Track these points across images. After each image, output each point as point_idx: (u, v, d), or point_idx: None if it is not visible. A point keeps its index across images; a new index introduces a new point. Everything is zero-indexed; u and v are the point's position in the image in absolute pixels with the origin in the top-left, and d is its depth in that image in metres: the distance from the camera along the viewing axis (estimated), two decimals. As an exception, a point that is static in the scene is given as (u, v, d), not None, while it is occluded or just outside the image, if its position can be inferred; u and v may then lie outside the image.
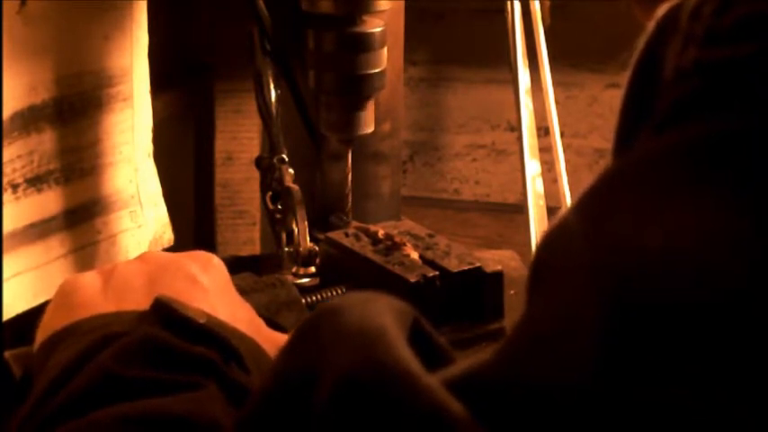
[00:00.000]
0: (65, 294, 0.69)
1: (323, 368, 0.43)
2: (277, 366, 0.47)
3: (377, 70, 1.11)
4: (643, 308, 0.39)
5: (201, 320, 0.63)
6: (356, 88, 1.11)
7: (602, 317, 0.39)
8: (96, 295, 0.68)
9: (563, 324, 0.40)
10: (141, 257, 0.73)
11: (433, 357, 0.44)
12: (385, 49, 1.12)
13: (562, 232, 0.44)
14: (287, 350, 0.47)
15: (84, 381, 0.60)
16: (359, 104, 1.12)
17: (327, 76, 1.12)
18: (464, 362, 0.42)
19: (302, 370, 0.45)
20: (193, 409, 0.58)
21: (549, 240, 0.44)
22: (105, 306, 0.67)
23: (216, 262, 0.72)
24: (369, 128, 1.14)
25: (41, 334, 0.68)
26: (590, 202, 0.44)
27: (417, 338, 0.45)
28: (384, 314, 0.45)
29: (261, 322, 0.72)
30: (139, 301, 0.66)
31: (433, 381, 0.41)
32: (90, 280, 0.70)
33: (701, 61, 0.44)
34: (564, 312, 0.41)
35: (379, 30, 1.11)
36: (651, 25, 0.48)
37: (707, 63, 0.44)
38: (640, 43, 0.48)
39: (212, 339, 0.62)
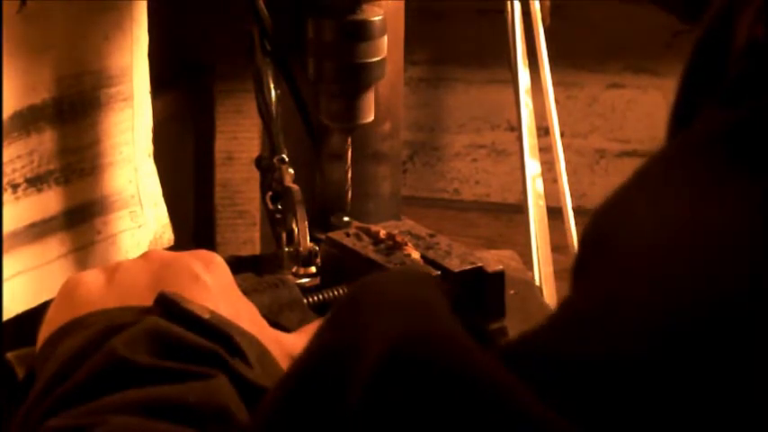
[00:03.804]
0: (68, 292, 0.69)
1: (366, 340, 0.42)
2: (316, 341, 0.46)
3: (377, 59, 1.11)
4: (699, 288, 0.39)
5: (206, 316, 0.63)
6: (356, 77, 1.11)
7: (659, 295, 0.39)
8: (99, 292, 0.68)
9: (620, 300, 0.40)
10: (144, 256, 0.73)
11: (476, 339, 0.42)
12: (385, 38, 1.11)
13: (618, 207, 0.44)
14: (326, 325, 0.46)
15: (93, 366, 0.59)
16: (358, 93, 1.12)
17: (327, 64, 1.11)
18: (509, 338, 0.42)
19: (343, 343, 0.44)
20: (205, 397, 0.58)
21: (606, 213, 0.44)
22: (108, 303, 0.67)
23: (218, 261, 0.72)
24: (369, 117, 1.14)
25: (44, 331, 0.68)
26: (650, 177, 0.44)
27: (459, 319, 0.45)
28: (427, 288, 0.45)
29: (264, 322, 0.72)
30: (143, 299, 0.66)
31: (486, 352, 0.40)
32: (93, 277, 0.70)
33: None
34: (621, 288, 0.40)
35: (378, 18, 1.10)
36: None
37: None
38: (707, 16, 0.47)
39: (216, 335, 0.62)
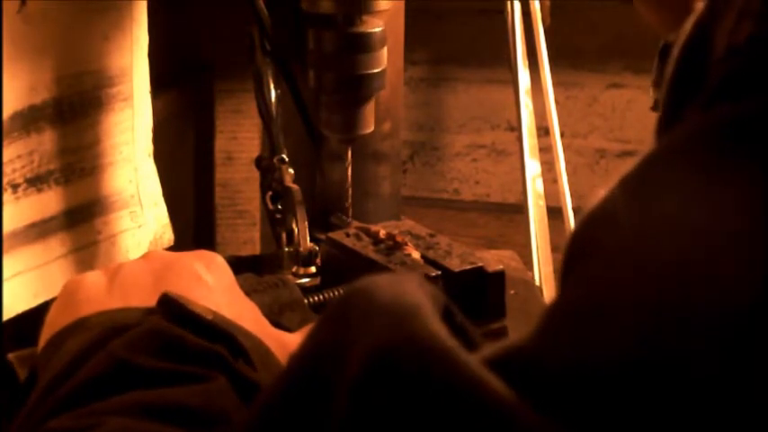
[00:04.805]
0: (69, 293, 0.69)
1: (353, 343, 0.42)
2: (305, 344, 0.46)
3: (377, 70, 1.11)
4: (688, 288, 0.39)
5: (209, 317, 0.63)
6: (356, 88, 1.11)
7: (645, 297, 0.39)
8: (101, 293, 0.68)
9: (607, 303, 0.40)
10: (145, 257, 0.72)
11: (464, 343, 0.42)
12: (385, 50, 1.12)
13: (606, 210, 0.43)
14: (317, 328, 0.46)
15: (95, 368, 0.59)
16: (359, 104, 1.12)
17: (327, 76, 1.11)
18: (498, 343, 0.42)
19: (332, 346, 0.44)
20: (206, 401, 0.58)
21: (592, 217, 0.44)
22: (110, 304, 0.67)
23: (220, 261, 0.72)
24: (369, 128, 1.14)
25: (46, 332, 0.68)
26: (635, 180, 0.43)
27: (448, 323, 0.44)
28: (417, 292, 0.45)
29: (266, 322, 0.72)
30: (145, 300, 0.66)
31: (471, 357, 0.40)
32: (95, 278, 0.70)
33: (756, 36, 0.43)
34: (607, 292, 0.40)
35: (378, 30, 1.11)
36: (700, 5, 0.47)
37: (761, 38, 0.43)
38: (689, 23, 0.47)
39: (219, 336, 0.62)
